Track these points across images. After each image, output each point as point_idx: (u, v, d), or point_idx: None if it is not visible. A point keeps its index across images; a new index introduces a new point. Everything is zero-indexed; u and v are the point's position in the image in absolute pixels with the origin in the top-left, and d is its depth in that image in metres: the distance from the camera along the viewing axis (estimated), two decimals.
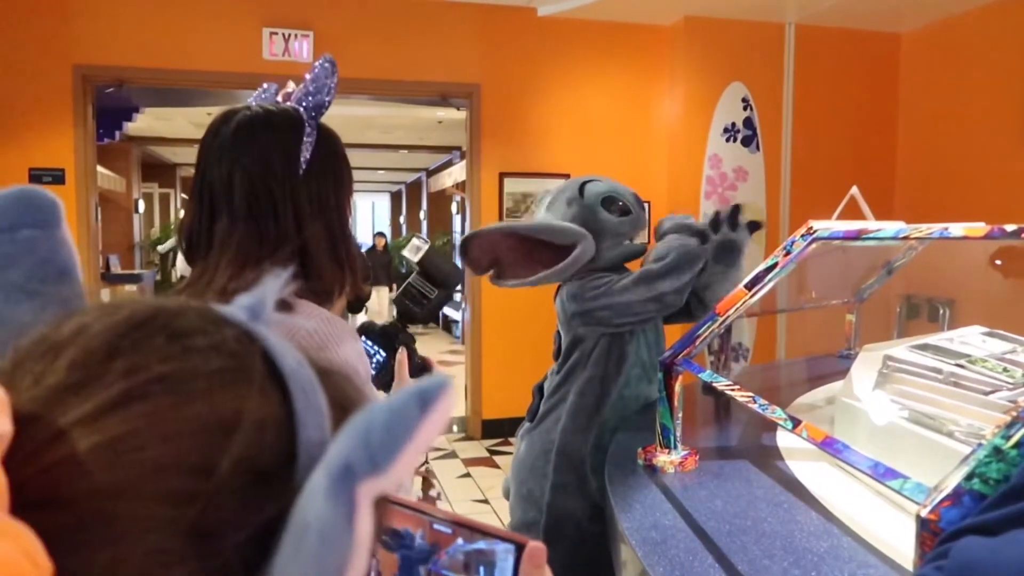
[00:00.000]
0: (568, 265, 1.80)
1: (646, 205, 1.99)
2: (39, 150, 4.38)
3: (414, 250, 1.43)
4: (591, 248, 1.82)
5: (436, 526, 0.44)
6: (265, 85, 1.13)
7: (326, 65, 1.05)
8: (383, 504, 0.36)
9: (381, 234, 11.56)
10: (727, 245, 1.83)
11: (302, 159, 1.01)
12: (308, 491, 0.31)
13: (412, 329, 1.35)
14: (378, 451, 0.30)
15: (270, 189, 1.00)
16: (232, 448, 0.32)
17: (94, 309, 0.36)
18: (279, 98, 1.09)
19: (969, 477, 0.73)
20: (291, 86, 1.10)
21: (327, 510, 0.29)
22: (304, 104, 1.04)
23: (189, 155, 11.97)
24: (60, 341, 0.34)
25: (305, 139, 1.02)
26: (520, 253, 1.83)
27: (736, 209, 1.84)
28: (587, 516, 1.80)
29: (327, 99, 1.04)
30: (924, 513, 0.74)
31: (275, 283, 0.38)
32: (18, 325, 0.38)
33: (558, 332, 1.96)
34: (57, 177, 4.39)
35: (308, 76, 1.06)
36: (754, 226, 1.86)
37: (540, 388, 1.99)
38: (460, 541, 0.43)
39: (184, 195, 13.52)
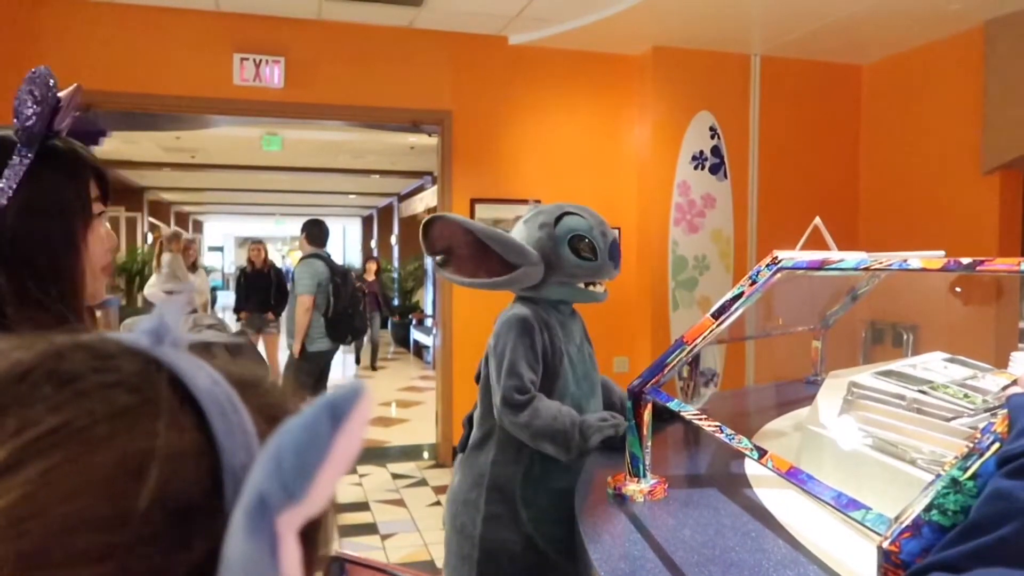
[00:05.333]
0: (504, 282, 1.81)
1: (616, 234, 1.98)
2: None
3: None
4: (534, 275, 1.82)
5: None
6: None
7: (23, 83, 0.93)
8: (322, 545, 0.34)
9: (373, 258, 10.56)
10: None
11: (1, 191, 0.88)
12: (231, 528, 0.28)
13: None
14: (290, 477, 0.27)
15: None
16: (144, 491, 0.29)
17: None
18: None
19: (928, 508, 0.74)
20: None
21: (248, 548, 0.27)
22: (16, 128, 0.92)
23: (157, 179, 11.86)
24: None
25: (9, 167, 0.90)
26: (474, 252, 1.83)
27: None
28: (520, 547, 1.78)
29: (29, 123, 0.91)
30: (885, 545, 0.75)
31: (177, 301, 0.35)
32: None
33: (486, 357, 1.92)
34: None
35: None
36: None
37: (470, 419, 1.97)
38: None
39: (152, 219, 13.37)
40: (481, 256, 1.83)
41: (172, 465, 0.30)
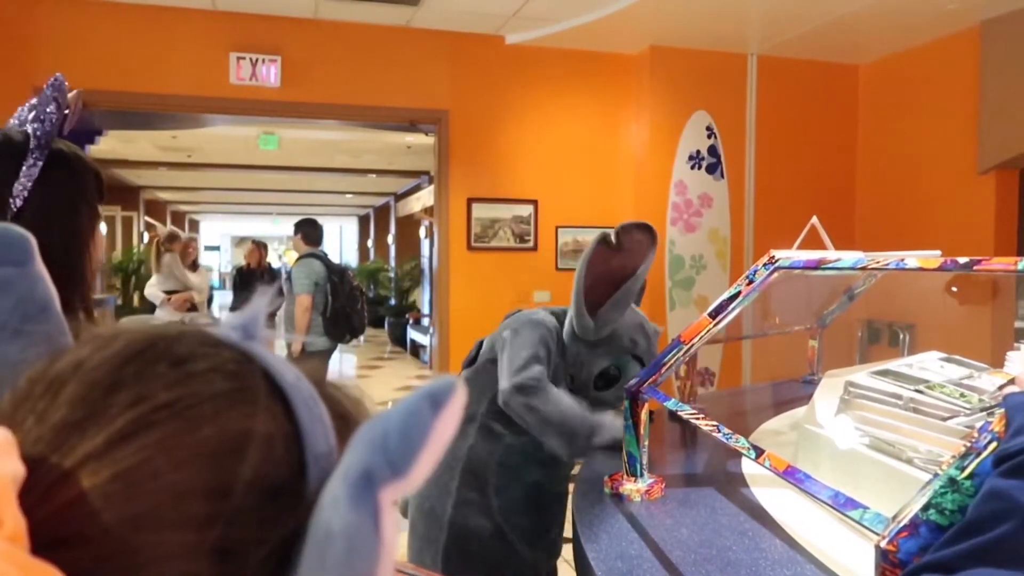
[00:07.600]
0: (577, 307, 1.78)
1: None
2: None
3: None
4: (586, 326, 1.78)
5: None
6: (34, 101, 0.98)
7: (46, 89, 0.94)
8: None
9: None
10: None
11: (16, 194, 0.90)
12: (328, 500, 0.31)
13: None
14: (396, 455, 0.30)
15: None
16: (245, 468, 0.32)
17: (88, 342, 0.36)
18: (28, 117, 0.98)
19: (926, 508, 0.74)
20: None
21: (352, 518, 0.29)
22: (33, 131, 0.93)
23: (153, 178, 11.84)
24: (59, 377, 0.34)
25: (25, 170, 0.91)
26: (613, 269, 1.78)
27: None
28: (489, 534, 1.79)
29: (48, 127, 0.93)
30: (883, 544, 0.75)
31: (263, 300, 0.38)
32: (8, 365, 0.38)
33: (480, 341, 1.91)
34: None
35: (34, 99, 0.95)
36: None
37: None
38: None
39: (148, 218, 13.34)
40: (609, 277, 1.78)
41: (267, 446, 0.33)
